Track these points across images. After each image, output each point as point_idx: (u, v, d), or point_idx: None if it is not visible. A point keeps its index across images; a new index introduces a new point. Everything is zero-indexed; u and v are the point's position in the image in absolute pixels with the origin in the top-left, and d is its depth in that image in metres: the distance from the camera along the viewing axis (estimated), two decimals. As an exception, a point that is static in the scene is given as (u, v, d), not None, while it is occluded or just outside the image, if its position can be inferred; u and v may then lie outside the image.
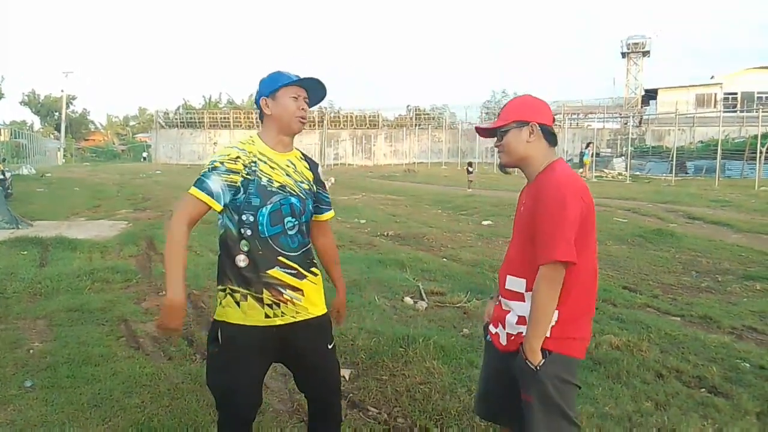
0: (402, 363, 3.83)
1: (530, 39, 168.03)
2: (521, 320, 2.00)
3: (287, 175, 2.23)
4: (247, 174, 2.13)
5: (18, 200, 14.48)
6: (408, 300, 5.49)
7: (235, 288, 2.15)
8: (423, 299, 5.51)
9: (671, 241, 8.87)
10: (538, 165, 2.06)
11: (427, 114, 51.21)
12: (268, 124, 2.26)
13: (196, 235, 9.35)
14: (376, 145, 48.24)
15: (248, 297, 2.14)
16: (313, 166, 2.39)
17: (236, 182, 2.11)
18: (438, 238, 9.40)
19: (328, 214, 2.45)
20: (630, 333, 4.43)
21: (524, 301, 1.99)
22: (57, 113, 63.60)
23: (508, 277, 2.07)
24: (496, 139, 2.13)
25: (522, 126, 2.06)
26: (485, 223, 11.59)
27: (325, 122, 46.23)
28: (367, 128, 49.47)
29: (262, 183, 2.15)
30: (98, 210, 13.84)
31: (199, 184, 2.10)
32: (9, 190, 14.50)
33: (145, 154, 57.08)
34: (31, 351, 4.08)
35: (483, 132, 2.22)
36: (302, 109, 2.24)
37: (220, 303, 2.20)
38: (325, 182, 2.48)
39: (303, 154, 2.37)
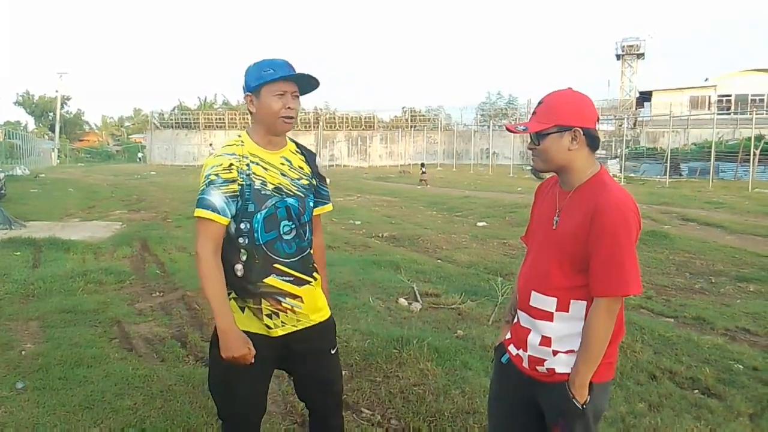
0: (396, 365, 3.82)
1: (525, 41, 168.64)
2: (545, 341, 1.82)
3: (282, 174, 2.08)
4: (243, 180, 2.00)
5: (11, 201, 14.39)
6: (402, 301, 5.48)
7: (235, 297, 2.07)
8: (417, 300, 5.50)
9: (665, 242, 8.88)
10: (580, 174, 1.82)
11: (423, 115, 51.29)
12: (256, 122, 2.09)
13: (191, 236, 9.35)
14: (372, 147, 48.27)
15: (246, 308, 2.06)
16: (310, 157, 2.20)
17: (236, 191, 2.00)
18: (433, 239, 9.40)
19: (323, 208, 2.25)
20: (623, 334, 4.43)
21: (552, 321, 1.81)
22: (51, 114, 63.35)
23: (534, 293, 1.85)
24: (530, 140, 1.87)
25: (563, 131, 1.78)
26: (480, 224, 11.59)
27: (321, 123, 46.23)
28: (363, 129, 49.48)
29: (255, 187, 2.01)
30: (92, 211, 13.77)
31: (201, 203, 1.98)
32: (2, 191, 14.42)
33: (140, 155, 56.93)
34: (23, 352, 4.06)
35: (516, 132, 1.93)
36: (288, 108, 2.02)
37: None
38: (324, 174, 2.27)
39: (298, 146, 2.21)
